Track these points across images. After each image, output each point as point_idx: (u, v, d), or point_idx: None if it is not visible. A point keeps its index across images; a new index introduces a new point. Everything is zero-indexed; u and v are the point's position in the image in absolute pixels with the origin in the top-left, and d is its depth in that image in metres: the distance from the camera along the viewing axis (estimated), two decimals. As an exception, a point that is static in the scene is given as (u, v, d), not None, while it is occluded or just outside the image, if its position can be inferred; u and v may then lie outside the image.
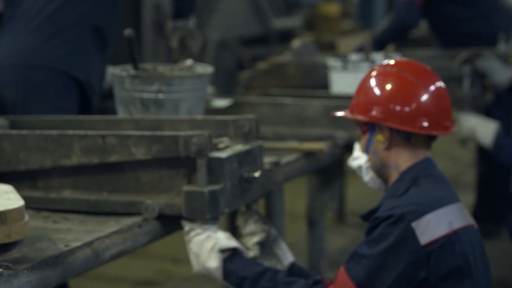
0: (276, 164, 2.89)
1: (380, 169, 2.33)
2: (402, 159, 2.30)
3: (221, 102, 3.56)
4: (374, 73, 2.35)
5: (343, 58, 3.99)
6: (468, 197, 6.38)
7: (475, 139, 4.04)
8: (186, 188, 2.28)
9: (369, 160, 2.35)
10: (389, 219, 2.16)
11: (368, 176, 2.37)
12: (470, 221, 2.26)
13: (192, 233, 2.28)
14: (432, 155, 2.36)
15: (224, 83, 7.33)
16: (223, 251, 2.27)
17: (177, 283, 4.77)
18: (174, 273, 4.91)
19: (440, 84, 2.33)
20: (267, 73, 4.42)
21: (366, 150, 2.34)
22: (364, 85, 2.35)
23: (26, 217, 1.98)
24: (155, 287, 4.77)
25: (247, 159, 2.39)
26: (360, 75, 3.76)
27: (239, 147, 2.40)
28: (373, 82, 2.32)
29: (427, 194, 2.22)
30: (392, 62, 2.37)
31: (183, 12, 3.56)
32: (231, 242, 2.27)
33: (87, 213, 2.39)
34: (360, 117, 2.31)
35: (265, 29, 8.30)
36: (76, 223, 2.32)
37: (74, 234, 2.21)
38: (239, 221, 2.47)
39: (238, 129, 2.49)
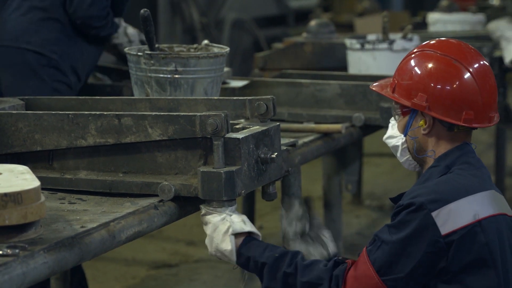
0: (293, 146, 2.87)
1: (417, 155, 2.28)
2: (441, 146, 2.25)
3: (238, 83, 3.54)
4: (422, 54, 2.26)
5: (361, 38, 3.95)
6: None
7: None
8: (203, 169, 2.26)
9: (406, 141, 2.30)
10: (410, 207, 2.13)
11: (404, 158, 2.33)
12: (503, 209, 2.20)
13: (208, 216, 2.27)
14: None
15: (240, 63, 7.30)
16: (237, 235, 2.25)
17: (193, 265, 4.78)
18: (190, 256, 4.91)
19: (490, 74, 2.25)
20: (284, 54, 4.39)
21: (404, 132, 2.29)
22: (409, 65, 2.26)
23: (42, 198, 1.96)
24: (171, 269, 4.78)
25: (264, 140, 2.37)
26: (378, 56, 3.78)
27: (256, 128, 2.38)
28: (420, 65, 2.24)
29: (454, 182, 2.17)
30: (443, 44, 2.26)
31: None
32: (246, 226, 2.25)
33: (103, 194, 2.38)
34: (403, 101, 2.24)
35: (281, 9, 8.26)
36: (92, 204, 2.31)
37: (90, 215, 2.20)
38: (283, 209, 2.45)
39: (255, 109, 2.46)
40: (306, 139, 3.09)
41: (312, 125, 3.23)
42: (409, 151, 2.30)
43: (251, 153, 2.30)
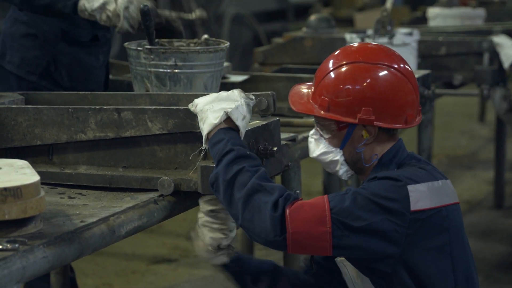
0: (293, 140, 2.86)
1: (365, 165, 2.24)
2: (382, 147, 2.23)
3: (237, 77, 3.53)
4: (352, 67, 2.20)
5: (361, 32, 3.95)
6: (488, 174, 6.35)
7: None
8: (203, 163, 2.26)
9: (345, 154, 2.24)
10: (387, 178, 2.12)
11: (342, 170, 2.27)
12: (457, 199, 2.22)
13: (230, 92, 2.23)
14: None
15: (240, 58, 7.29)
16: (228, 119, 2.19)
17: (192, 260, 4.78)
18: (190, 250, 4.92)
19: (410, 68, 2.25)
20: (284, 48, 4.38)
21: (341, 145, 2.24)
22: (341, 81, 2.20)
23: (42, 193, 1.96)
24: (170, 264, 4.78)
25: (264, 134, 2.37)
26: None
27: (256, 123, 2.37)
28: (355, 79, 2.18)
29: (419, 169, 2.18)
30: (367, 52, 2.23)
31: None
32: (239, 121, 2.19)
33: (103, 188, 2.38)
34: (346, 119, 2.18)
35: (281, 4, 8.26)
36: (92, 198, 2.31)
37: (89, 209, 2.20)
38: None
39: (256, 105, 2.45)
40: (306, 134, 3.08)
41: (312, 120, 3.22)
42: (347, 162, 2.25)
43: (251, 147, 2.30)
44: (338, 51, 2.28)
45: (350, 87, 2.19)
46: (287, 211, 2.07)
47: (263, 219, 2.08)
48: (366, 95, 2.18)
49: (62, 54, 3.20)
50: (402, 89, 2.20)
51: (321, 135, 2.27)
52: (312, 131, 2.31)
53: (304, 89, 2.32)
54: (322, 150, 2.27)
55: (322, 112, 2.22)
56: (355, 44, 2.31)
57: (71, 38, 3.20)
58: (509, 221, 5.44)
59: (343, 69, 2.21)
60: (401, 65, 2.22)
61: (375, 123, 2.18)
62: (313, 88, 2.28)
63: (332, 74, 2.22)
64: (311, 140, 2.30)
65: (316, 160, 2.30)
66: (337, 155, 2.25)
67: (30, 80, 3.18)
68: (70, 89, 3.18)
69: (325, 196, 2.12)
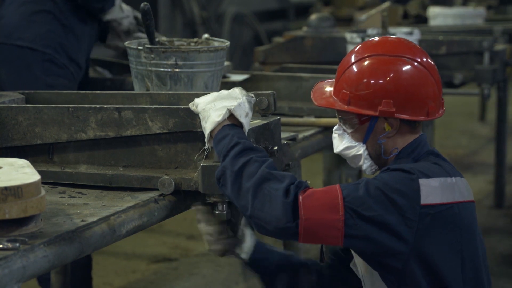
0: (293, 139, 2.87)
1: (384, 157, 2.24)
2: (403, 141, 2.23)
3: (238, 77, 3.53)
4: (373, 59, 2.20)
5: (362, 32, 3.95)
6: (488, 173, 6.35)
7: None
8: (203, 163, 2.26)
9: (369, 148, 2.24)
10: (400, 170, 2.12)
11: (366, 164, 2.27)
12: (472, 197, 2.22)
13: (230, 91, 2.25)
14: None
15: (241, 57, 7.30)
16: (231, 117, 2.19)
17: (193, 259, 4.78)
18: (190, 250, 4.92)
19: (433, 62, 2.24)
20: (284, 48, 4.39)
21: (364, 139, 2.24)
22: (361, 74, 2.19)
23: (43, 192, 1.96)
24: (171, 263, 4.78)
25: (264, 134, 2.37)
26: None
27: (257, 122, 2.38)
28: (375, 71, 2.18)
29: (435, 164, 2.18)
30: (387, 45, 2.23)
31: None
32: (242, 118, 2.19)
33: (103, 188, 2.38)
34: (367, 112, 2.18)
35: (282, 3, 8.26)
36: (92, 198, 2.31)
37: (90, 209, 2.20)
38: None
39: (256, 104, 2.45)
40: (306, 133, 3.09)
41: (312, 119, 3.23)
42: (370, 156, 2.25)
43: (252, 147, 2.30)
44: (359, 46, 2.28)
45: (370, 79, 2.19)
46: (300, 198, 2.07)
47: (274, 206, 2.07)
48: (386, 87, 2.17)
49: (74, 27, 3.38)
50: (424, 81, 2.19)
51: (344, 130, 2.27)
52: (335, 127, 2.30)
53: (326, 85, 2.32)
54: (345, 145, 2.27)
55: (344, 106, 2.21)
56: (376, 38, 2.30)
57: (86, 13, 3.39)
58: (509, 220, 5.44)
59: (364, 62, 2.21)
60: (423, 58, 2.21)
61: (396, 115, 2.17)
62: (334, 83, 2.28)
63: (353, 68, 2.22)
64: (334, 135, 2.30)
65: (340, 155, 2.30)
66: (360, 149, 2.25)
67: (46, 52, 3.31)
68: (75, 61, 3.37)
69: (337, 185, 2.12)
